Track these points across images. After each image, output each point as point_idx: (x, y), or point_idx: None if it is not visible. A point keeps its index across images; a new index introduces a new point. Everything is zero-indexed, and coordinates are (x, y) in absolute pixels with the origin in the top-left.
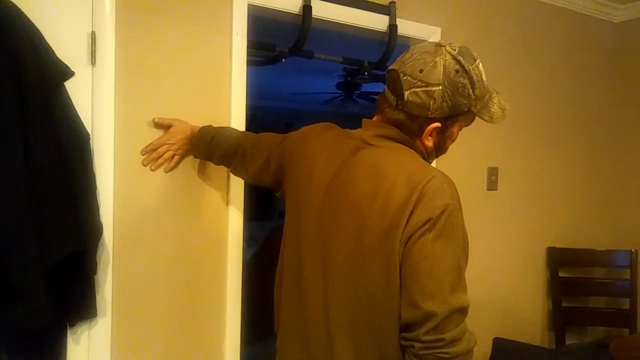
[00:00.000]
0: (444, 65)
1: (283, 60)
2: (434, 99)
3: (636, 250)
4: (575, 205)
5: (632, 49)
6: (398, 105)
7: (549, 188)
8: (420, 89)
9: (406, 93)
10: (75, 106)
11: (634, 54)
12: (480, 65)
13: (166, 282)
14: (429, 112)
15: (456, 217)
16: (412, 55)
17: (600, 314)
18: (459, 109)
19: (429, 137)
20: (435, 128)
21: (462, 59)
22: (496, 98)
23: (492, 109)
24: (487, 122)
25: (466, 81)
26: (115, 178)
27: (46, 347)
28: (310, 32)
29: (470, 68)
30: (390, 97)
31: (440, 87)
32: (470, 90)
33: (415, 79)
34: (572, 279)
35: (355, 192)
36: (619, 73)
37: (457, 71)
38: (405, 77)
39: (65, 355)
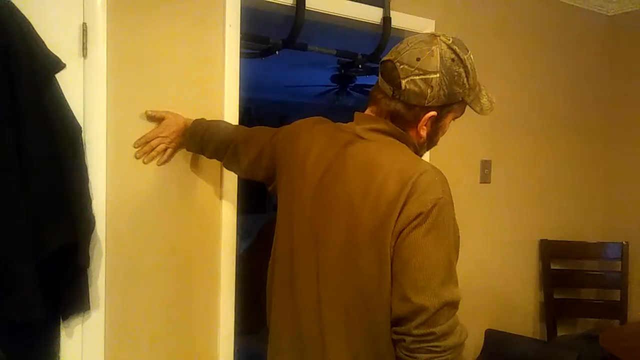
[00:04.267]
0: (440, 54)
1: (277, 52)
2: (432, 86)
3: (627, 243)
4: (567, 198)
5: (625, 42)
6: (395, 94)
7: (541, 181)
8: (418, 77)
9: (403, 82)
10: (67, 98)
11: (627, 46)
12: (472, 56)
13: (159, 275)
14: (426, 101)
15: (447, 211)
16: (408, 45)
17: (592, 305)
18: (454, 97)
19: (424, 127)
20: (431, 117)
21: (457, 48)
22: (484, 90)
23: (482, 100)
24: (477, 112)
25: (461, 70)
26: (108, 171)
27: (39, 341)
28: (304, 24)
29: (465, 57)
30: (386, 87)
31: (438, 75)
32: (465, 79)
33: (413, 67)
34: (564, 271)
35: (347, 186)
36: (612, 66)
37: (452, 60)
38: (402, 66)
39: (58, 349)
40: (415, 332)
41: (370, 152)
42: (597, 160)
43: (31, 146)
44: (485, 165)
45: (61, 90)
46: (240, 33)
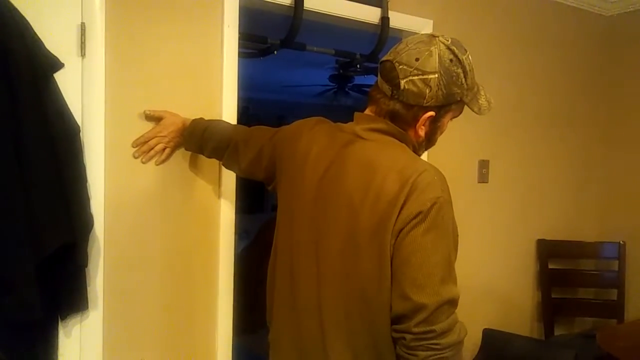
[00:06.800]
0: (439, 54)
1: (275, 52)
2: (430, 87)
3: (624, 242)
4: (564, 197)
5: (623, 43)
6: (394, 94)
7: (539, 181)
8: (416, 77)
9: (402, 82)
10: (65, 98)
11: (625, 47)
12: (470, 56)
13: (157, 274)
14: (425, 101)
15: (447, 210)
16: (407, 46)
17: (589, 305)
18: (452, 98)
19: (422, 127)
20: (430, 117)
21: (455, 49)
22: (482, 91)
23: (480, 101)
24: (475, 113)
25: (460, 70)
26: (106, 170)
27: (37, 341)
28: (302, 24)
29: (463, 58)
30: (385, 87)
31: (437, 75)
32: (463, 80)
33: (412, 68)
34: (561, 270)
35: (347, 186)
36: (610, 66)
37: (451, 60)
38: (401, 67)
39: (56, 349)
40: (415, 329)
41: (370, 152)
42: (594, 160)
43: (29, 146)
44: (483, 165)
45: (59, 90)
46: (239, 33)
